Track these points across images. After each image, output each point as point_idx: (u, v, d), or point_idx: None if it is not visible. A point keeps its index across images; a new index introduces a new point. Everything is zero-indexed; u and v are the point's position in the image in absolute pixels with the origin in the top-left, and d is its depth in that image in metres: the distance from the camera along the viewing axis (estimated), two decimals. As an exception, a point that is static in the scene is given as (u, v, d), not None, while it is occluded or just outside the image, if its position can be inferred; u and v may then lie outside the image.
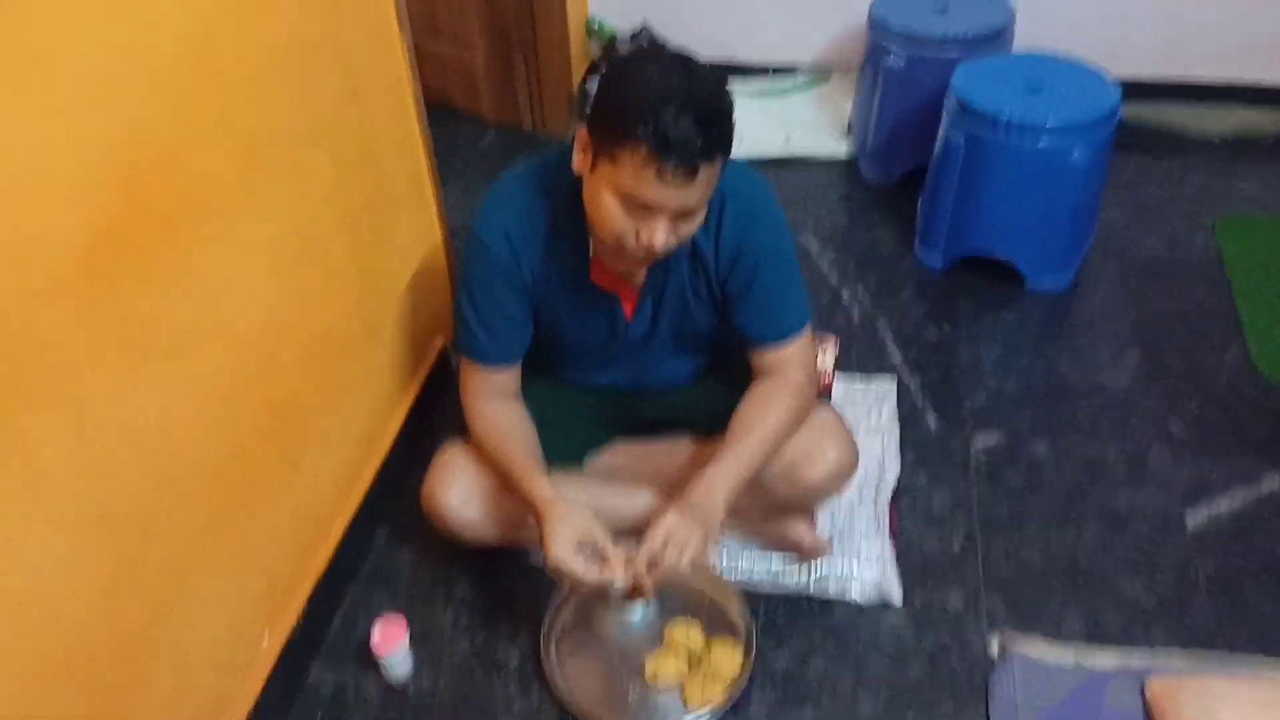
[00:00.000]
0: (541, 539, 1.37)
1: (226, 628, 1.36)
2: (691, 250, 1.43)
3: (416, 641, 1.55)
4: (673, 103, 1.18)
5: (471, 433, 1.54)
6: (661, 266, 1.44)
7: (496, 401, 1.53)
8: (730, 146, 1.25)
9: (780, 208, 1.47)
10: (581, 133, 1.29)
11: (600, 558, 1.35)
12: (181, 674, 1.27)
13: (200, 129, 1.19)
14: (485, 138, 2.86)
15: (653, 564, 1.33)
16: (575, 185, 1.37)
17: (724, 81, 1.26)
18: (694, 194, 1.25)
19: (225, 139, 1.24)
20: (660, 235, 1.27)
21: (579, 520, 1.37)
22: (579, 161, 1.31)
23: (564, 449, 1.62)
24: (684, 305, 1.50)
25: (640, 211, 1.26)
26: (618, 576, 1.34)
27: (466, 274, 1.49)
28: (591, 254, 1.43)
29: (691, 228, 1.31)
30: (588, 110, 1.28)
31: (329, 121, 1.48)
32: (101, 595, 1.10)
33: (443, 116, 2.88)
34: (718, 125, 1.22)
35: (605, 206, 1.28)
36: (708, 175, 1.24)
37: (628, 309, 1.50)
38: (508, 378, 1.54)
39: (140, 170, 1.09)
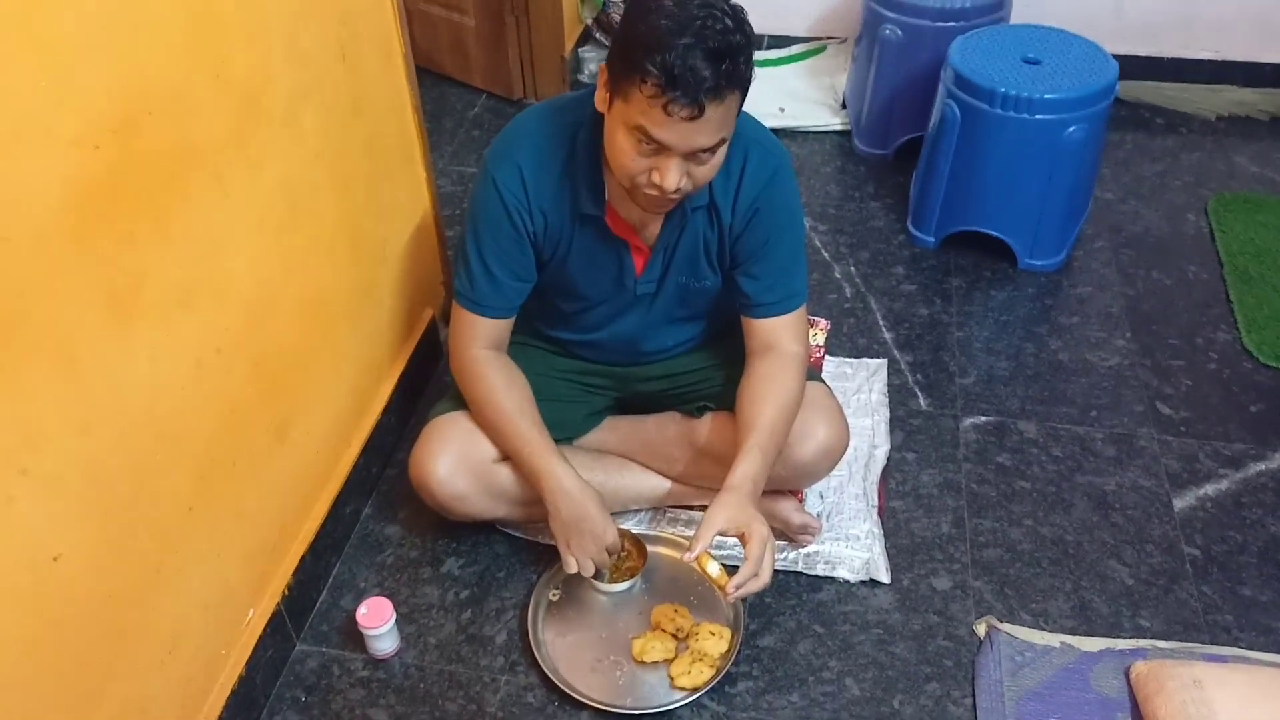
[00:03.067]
0: (583, 521, 1.46)
1: (217, 593, 1.35)
2: (709, 204, 1.41)
3: (403, 617, 1.55)
4: (684, 36, 1.16)
5: (465, 388, 1.52)
6: (677, 222, 1.42)
7: (489, 355, 1.51)
8: (745, 84, 1.22)
9: (795, 178, 1.46)
10: (603, 69, 1.27)
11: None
12: (173, 638, 1.27)
13: (194, 81, 1.17)
14: (475, 105, 2.81)
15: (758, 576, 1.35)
16: (596, 125, 1.36)
17: (742, 15, 1.22)
18: (704, 133, 1.22)
19: (218, 93, 1.22)
20: (672, 176, 1.25)
21: (599, 507, 1.47)
22: (600, 98, 1.29)
23: (554, 427, 1.61)
24: (694, 264, 1.48)
25: (652, 151, 1.24)
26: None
27: (474, 213, 1.45)
28: (607, 198, 1.41)
29: (706, 173, 1.29)
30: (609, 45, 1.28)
31: (319, 79, 1.45)
32: (93, 554, 1.10)
33: (433, 82, 2.85)
34: (729, 61, 1.17)
35: (619, 144, 1.26)
36: (718, 114, 1.21)
37: (638, 263, 1.48)
38: (502, 328, 1.52)
39: (133, 120, 1.07)
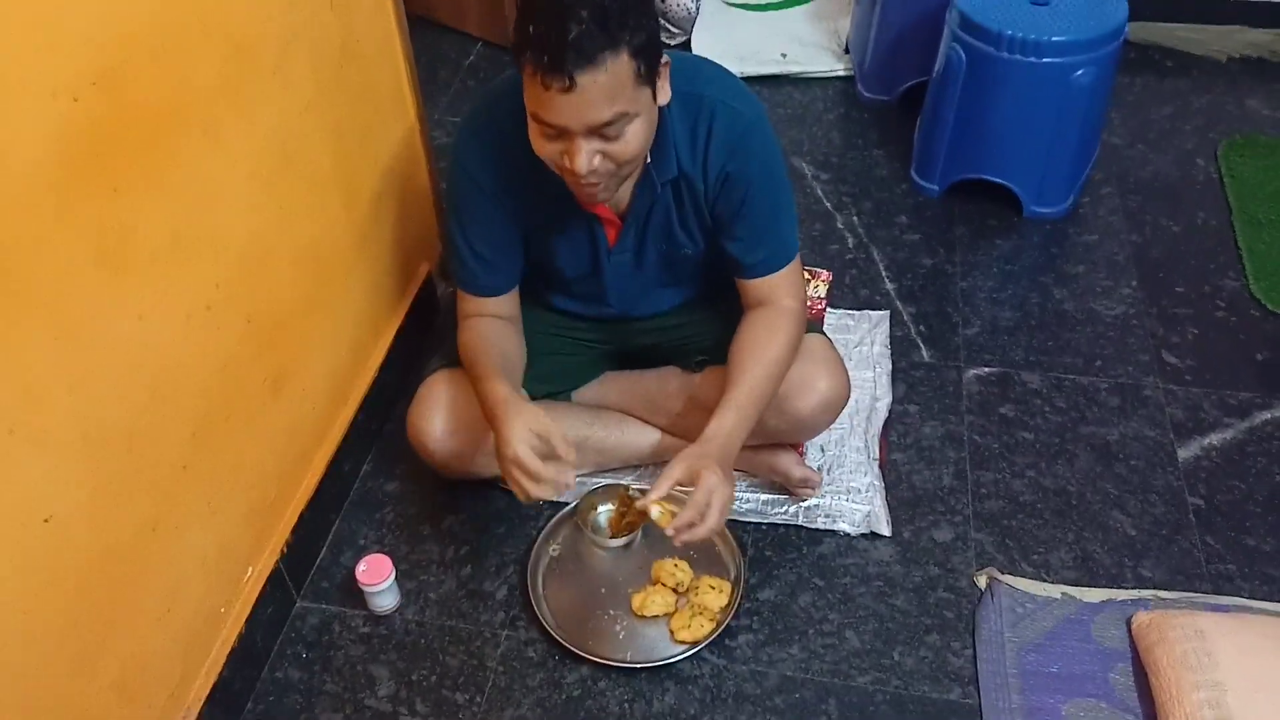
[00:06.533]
0: (496, 440, 1.31)
1: (216, 550, 1.35)
2: (677, 175, 1.37)
3: (403, 573, 1.55)
4: (550, 8, 1.11)
5: (458, 351, 1.50)
6: (647, 194, 1.39)
7: (486, 320, 1.49)
8: (632, 46, 1.14)
9: (770, 128, 1.40)
10: None
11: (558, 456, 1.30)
12: (171, 595, 1.27)
13: (183, 28, 1.14)
14: (470, 53, 2.76)
15: (693, 524, 1.29)
16: None
17: None
18: (590, 107, 1.14)
19: (207, 40, 1.19)
20: (581, 159, 1.19)
21: (533, 414, 1.31)
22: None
23: (551, 380, 1.60)
24: (670, 233, 1.45)
25: (555, 135, 1.20)
26: (569, 476, 1.29)
27: (453, 199, 1.44)
28: None
29: (625, 149, 1.21)
30: None
31: (308, 26, 1.42)
32: (87, 513, 1.09)
33: (427, 29, 2.79)
34: (592, 23, 1.10)
35: (531, 132, 1.23)
36: (600, 82, 1.12)
37: (610, 235, 1.45)
38: (503, 303, 1.50)
39: (119, 69, 1.04)
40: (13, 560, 1.01)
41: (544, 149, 1.23)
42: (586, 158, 1.20)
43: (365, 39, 1.61)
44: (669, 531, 1.30)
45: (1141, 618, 1.42)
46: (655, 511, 1.36)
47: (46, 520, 1.03)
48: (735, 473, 1.63)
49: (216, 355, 1.29)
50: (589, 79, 1.12)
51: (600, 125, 1.17)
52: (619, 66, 1.14)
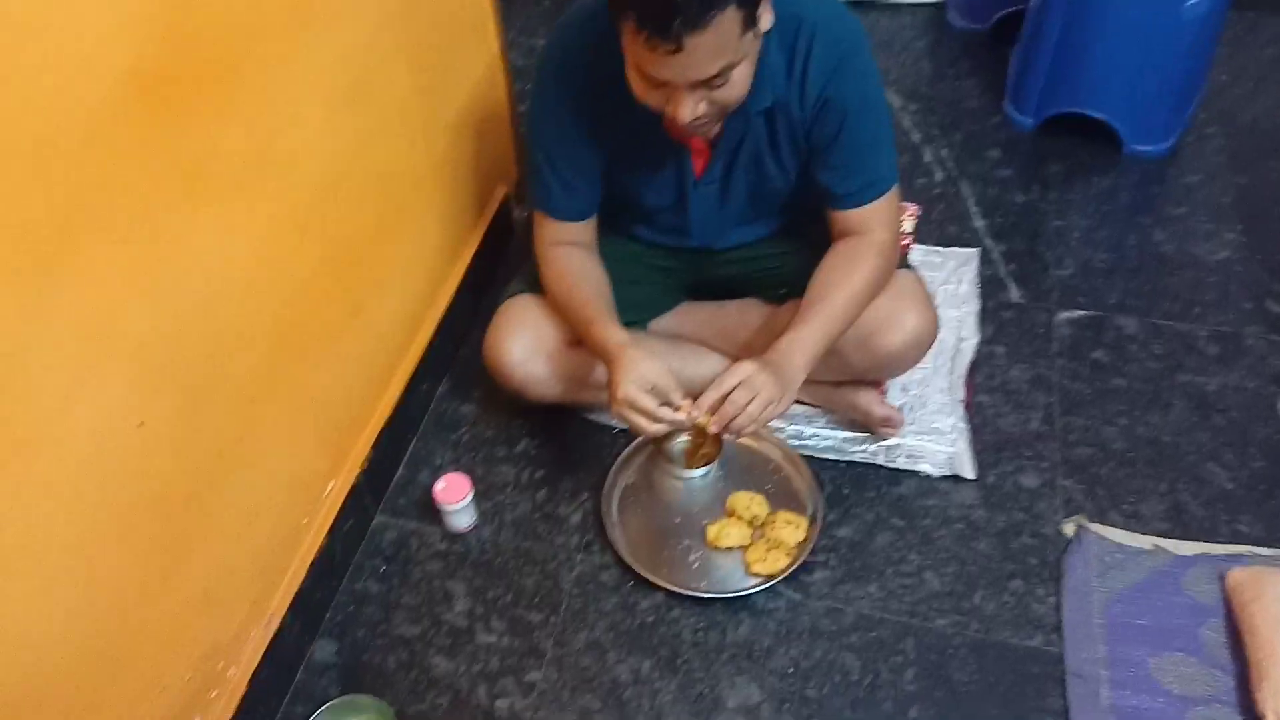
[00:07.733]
0: (610, 382, 1.33)
1: (298, 463, 1.36)
2: (771, 104, 1.32)
3: (478, 494, 1.55)
4: None
5: (543, 281, 1.49)
6: (739, 124, 1.34)
7: (570, 249, 1.47)
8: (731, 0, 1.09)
9: (870, 52, 1.35)
10: None
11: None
12: (256, 504, 1.28)
13: None
14: (547, -28, 2.69)
15: (718, 405, 1.28)
16: None
17: None
18: (697, 65, 1.12)
19: None
20: (684, 109, 1.17)
21: (651, 365, 1.32)
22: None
23: (628, 308, 1.57)
24: (760, 164, 1.40)
25: (658, 84, 1.17)
26: (686, 417, 1.30)
27: (535, 124, 1.40)
28: None
29: (730, 94, 1.19)
30: None
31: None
32: (170, 429, 1.09)
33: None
34: None
35: (631, 78, 1.20)
36: (706, 41, 1.10)
37: (698, 165, 1.41)
38: (583, 229, 1.48)
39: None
40: (111, 462, 1.01)
41: (646, 96, 1.21)
42: (691, 108, 1.18)
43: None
44: (695, 415, 1.29)
45: (1237, 574, 1.37)
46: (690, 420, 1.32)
47: (141, 424, 1.04)
48: (814, 408, 1.62)
49: (296, 278, 1.28)
50: (696, 40, 1.09)
51: (709, 78, 1.15)
52: (726, 23, 1.10)
